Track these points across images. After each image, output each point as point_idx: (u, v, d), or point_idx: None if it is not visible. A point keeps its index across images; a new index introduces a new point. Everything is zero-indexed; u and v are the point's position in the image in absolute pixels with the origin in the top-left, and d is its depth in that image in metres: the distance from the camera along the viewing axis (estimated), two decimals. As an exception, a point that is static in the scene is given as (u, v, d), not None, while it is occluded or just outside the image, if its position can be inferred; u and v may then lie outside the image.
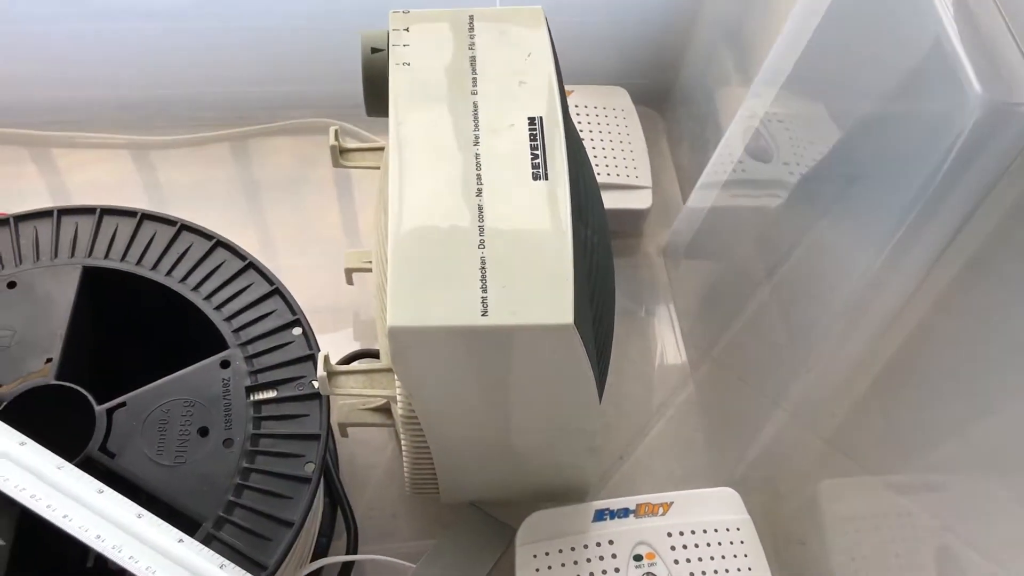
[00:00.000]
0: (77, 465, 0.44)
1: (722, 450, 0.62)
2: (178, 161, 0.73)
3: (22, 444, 0.45)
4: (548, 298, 0.39)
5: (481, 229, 0.40)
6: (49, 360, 0.48)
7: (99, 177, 0.72)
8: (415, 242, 0.40)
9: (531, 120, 0.43)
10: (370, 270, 0.58)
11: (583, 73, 0.69)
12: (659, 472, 0.60)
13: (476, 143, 0.43)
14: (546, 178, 0.42)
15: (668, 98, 0.75)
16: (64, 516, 0.42)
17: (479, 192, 0.41)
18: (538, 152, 0.42)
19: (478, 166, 0.42)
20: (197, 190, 0.72)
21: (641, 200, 0.65)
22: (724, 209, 0.64)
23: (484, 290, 0.39)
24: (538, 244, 0.40)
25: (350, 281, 0.60)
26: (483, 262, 0.39)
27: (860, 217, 0.52)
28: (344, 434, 0.54)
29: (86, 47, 0.70)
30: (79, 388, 0.47)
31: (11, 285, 0.50)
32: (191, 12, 0.69)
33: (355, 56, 0.48)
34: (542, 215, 0.41)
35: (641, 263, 0.68)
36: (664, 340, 0.66)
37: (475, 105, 0.44)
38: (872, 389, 0.54)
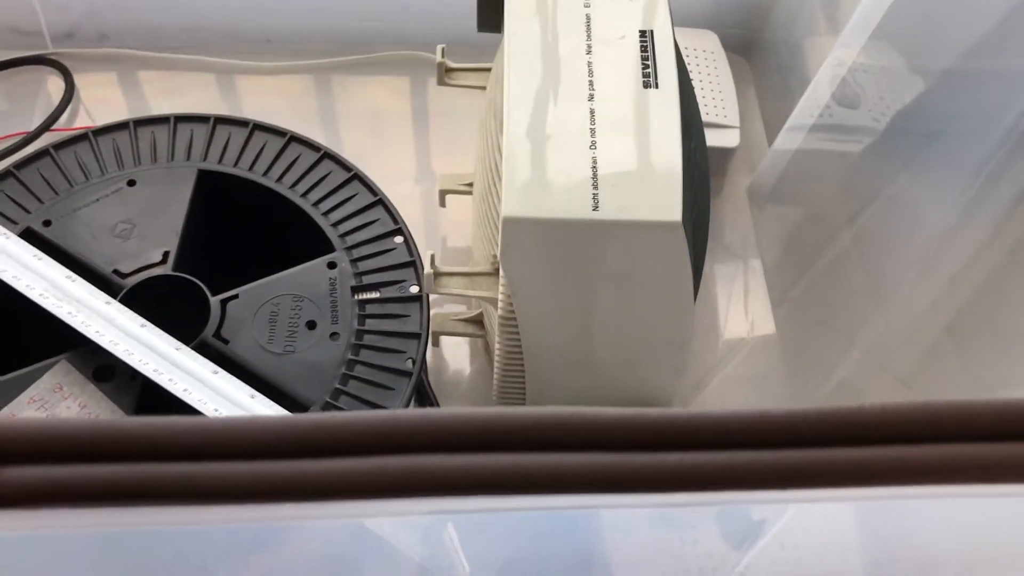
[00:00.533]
0: (193, 349, 0.47)
1: (798, 387, 0.63)
2: (264, 89, 0.76)
3: (143, 326, 0.47)
4: (657, 197, 0.40)
5: (592, 131, 0.42)
6: (166, 253, 0.51)
7: (191, 102, 0.74)
8: (529, 139, 0.42)
9: (642, 33, 0.45)
10: (465, 192, 0.60)
11: (675, 16, 0.70)
12: (734, 402, 0.62)
13: (588, 52, 0.44)
14: (656, 87, 0.43)
15: (756, 47, 0.76)
16: (184, 390, 0.45)
17: (591, 97, 0.43)
18: (649, 63, 0.44)
19: (590, 73, 0.43)
20: (281, 117, 0.74)
21: (729, 139, 0.66)
22: (809, 152, 0.65)
23: (595, 187, 0.40)
24: (647, 147, 0.41)
25: (443, 203, 0.62)
26: (594, 161, 0.41)
27: (939, 171, 0.53)
28: (436, 343, 0.56)
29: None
30: (195, 279, 0.50)
31: (131, 183, 0.53)
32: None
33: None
34: (652, 120, 0.42)
35: (725, 203, 0.69)
36: (746, 279, 0.67)
37: (588, 17, 0.45)
38: (947, 335, 0.54)
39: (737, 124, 0.67)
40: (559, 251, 0.42)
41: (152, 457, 0.20)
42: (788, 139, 0.66)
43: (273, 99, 0.76)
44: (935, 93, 0.54)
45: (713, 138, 0.66)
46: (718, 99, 0.67)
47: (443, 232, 0.69)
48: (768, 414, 0.23)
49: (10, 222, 0.51)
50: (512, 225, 0.40)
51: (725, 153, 0.67)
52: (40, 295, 0.47)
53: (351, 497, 0.20)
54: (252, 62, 0.76)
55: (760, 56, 0.76)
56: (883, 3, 0.57)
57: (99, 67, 0.74)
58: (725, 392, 0.62)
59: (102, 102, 0.73)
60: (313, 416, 0.21)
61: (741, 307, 0.66)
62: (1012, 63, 0.48)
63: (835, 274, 0.63)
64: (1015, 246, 0.49)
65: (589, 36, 0.45)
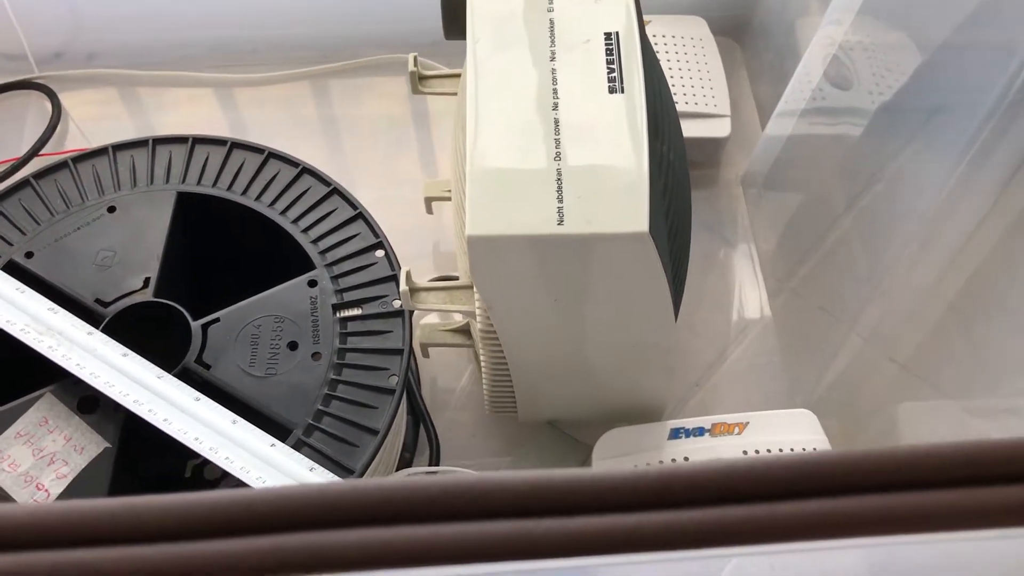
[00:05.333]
0: (175, 376, 0.47)
1: (798, 377, 0.62)
2: (260, 100, 0.75)
3: (124, 355, 0.47)
4: (623, 207, 0.39)
5: (557, 142, 0.41)
6: (147, 279, 0.51)
7: (184, 116, 0.74)
8: (493, 155, 0.41)
9: (607, 35, 0.44)
10: (449, 199, 0.59)
11: (662, 4, 0.69)
12: (735, 398, 0.61)
13: (553, 59, 0.43)
14: (622, 91, 0.42)
15: (747, 29, 0.74)
16: (165, 420, 0.45)
17: (555, 106, 0.42)
18: (614, 66, 0.43)
19: (554, 80, 0.42)
20: (279, 128, 0.74)
21: (720, 128, 0.65)
22: (803, 137, 0.64)
23: (560, 200, 0.40)
24: (613, 155, 0.41)
25: (429, 210, 0.61)
26: (559, 173, 0.40)
27: (937, 146, 0.52)
28: (425, 354, 0.56)
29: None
30: (176, 305, 0.50)
31: (111, 209, 0.53)
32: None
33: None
34: (618, 127, 0.41)
35: (719, 193, 0.68)
36: (742, 270, 0.66)
37: (551, 22, 0.44)
38: (951, 314, 0.53)
39: (728, 112, 0.65)
40: (528, 266, 0.41)
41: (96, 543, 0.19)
42: (780, 125, 0.65)
43: (269, 110, 0.75)
44: (930, 67, 0.53)
45: (704, 128, 0.65)
46: (707, 88, 0.65)
47: (437, 237, 0.69)
48: (706, 471, 0.21)
49: (-7, 255, 0.51)
50: (477, 243, 0.40)
51: (716, 143, 0.66)
52: (21, 330, 0.47)
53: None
54: (244, 74, 0.75)
55: (751, 38, 0.74)
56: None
57: (88, 87, 0.75)
58: (725, 388, 0.61)
59: (94, 122, 0.73)
60: (254, 493, 0.20)
61: (738, 299, 0.65)
62: (1000, 32, 0.46)
63: (835, 259, 0.62)
64: (1018, 217, 0.48)
65: (553, 41, 0.44)
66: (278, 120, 0.75)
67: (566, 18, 0.45)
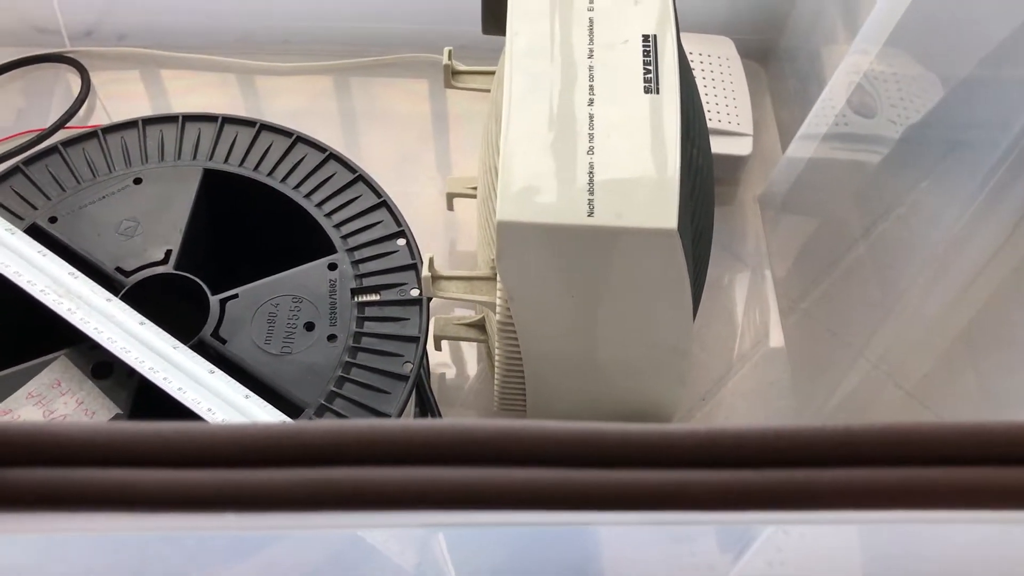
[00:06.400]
0: (191, 347, 0.47)
1: (806, 397, 0.62)
2: (282, 90, 0.76)
3: (141, 324, 0.48)
4: (653, 204, 0.40)
5: (591, 136, 0.41)
6: (169, 251, 0.51)
7: (206, 102, 0.75)
8: (527, 144, 0.41)
9: (645, 37, 0.44)
10: (471, 196, 0.60)
11: (691, 22, 0.69)
12: (742, 414, 0.61)
13: (590, 56, 0.44)
14: (657, 92, 0.42)
15: (773, 54, 0.75)
16: (179, 389, 0.45)
17: (591, 102, 0.42)
18: (651, 67, 0.43)
19: (591, 77, 0.43)
20: (299, 119, 0.74)
21: (741, 147, 0.65)
22: (823, 161, 0.64)
23: (591, 193, 0.40)
24: (646, 153, 0.41)
25: (450, 207, 0.62)
26: (591, 167, 0.41)
27: (955, 180, 0.52)
28: (438, 347, 0.56)
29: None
30: (195, 278, 0.50)
31: (137, 181, 0.53)
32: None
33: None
34: (651, 126, 0.42)
35: (737, 212, 0.68)
36: (755, 288, 0.66)
37: (591, 21, 0.45)
38: (959, 345, 0.53)
39: (750, 132, 0.66)
40: (554, 256, 0.41)
41: (146, 463, 0.20)
42: (801, 147, 0.65)
43: (291, 100, 0.76)
44: (953, 101, 0.53)
45: (725, 145, 0.65)
46: (731, 106, 0.66)
47: (452, 235, 0.69)
48: (754, 432, 0.22)
49: (17, 218, 0.52)
50: (506, 229, 0.40)
51: (737, 161, 0.66)
52: (41, 291, 0.47)
53: (341, 508, 0.19)
54: (270, 63, 0.76)
55: (777, 63, 0.75)
56: (897, 9, 0.56)
57: (117, 66, 0.75)
58: (731, 404, 0.61)
59: (119, 100, 0.74)
60: (305, 424, 0.20)
61: (750, 317, 0.65)
62: (1021, 71, 0.47)
63: (848, 284, 0.62)
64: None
65: (592, 40, 0.44)
66: (299, 111, 0.75)
67: (605, 18, 0.45)
